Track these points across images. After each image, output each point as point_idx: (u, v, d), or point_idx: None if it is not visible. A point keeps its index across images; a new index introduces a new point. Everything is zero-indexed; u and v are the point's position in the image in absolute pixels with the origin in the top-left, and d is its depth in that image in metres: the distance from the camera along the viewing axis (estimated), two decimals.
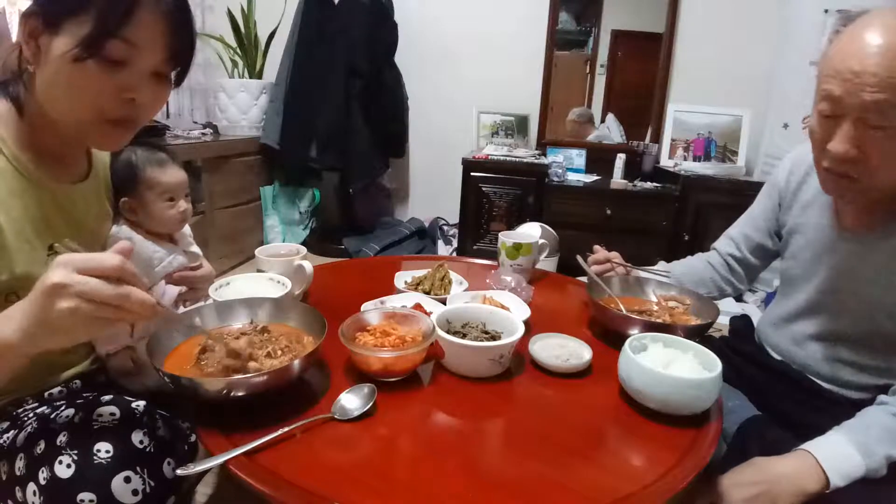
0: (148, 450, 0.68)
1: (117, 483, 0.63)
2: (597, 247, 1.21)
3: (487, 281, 1.19)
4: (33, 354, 0.58)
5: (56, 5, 0.66)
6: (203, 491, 1.15)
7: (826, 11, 2.36)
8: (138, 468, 0.66)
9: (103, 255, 0.56)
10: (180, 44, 0.72)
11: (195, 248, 1.06)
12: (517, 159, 2.79)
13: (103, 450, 0.65)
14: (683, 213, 2.63)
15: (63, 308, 0.53)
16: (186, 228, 1.07)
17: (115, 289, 0.54)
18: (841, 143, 0.78)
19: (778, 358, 1.05)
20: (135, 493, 0.64)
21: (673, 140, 2.92)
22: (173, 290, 0.94)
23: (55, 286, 0.53)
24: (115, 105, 0.70)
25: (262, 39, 2.96)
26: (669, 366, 0.80)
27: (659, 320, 0.99)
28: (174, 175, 0.97)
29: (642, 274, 1.19)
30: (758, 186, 1.18)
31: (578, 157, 3.03)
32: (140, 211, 0.94)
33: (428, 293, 1.11)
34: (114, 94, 0.69)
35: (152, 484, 0.66)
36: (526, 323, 0.93)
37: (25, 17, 0.67)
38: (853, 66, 0.75)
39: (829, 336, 0.96)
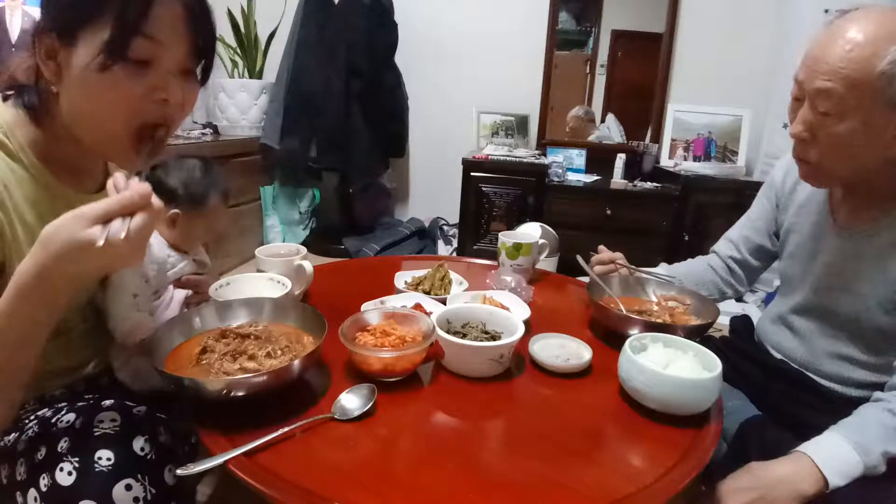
0: (149, 457, 0.68)
1: (118, 491, 0.63)
2: (601, 247, 1.21)
3: (487, 281, 1.19)
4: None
5: (70, 16, 0.63)
6: (203, 491, 1.15)
7: (826, 11, 2.35)
8: (139, 476, 0.66)
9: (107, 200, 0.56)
10: (202, 35, 0.70)
11: (204, 257, 1.06)
12: (517, 159, 2.79)
13: (104, 457, 0.65)
14: (683, 213, 2.63)
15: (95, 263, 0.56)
16: None
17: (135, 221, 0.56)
18: (796, 125, 0.85)
19: (778, 356, 1.05)
20: (136, 500, 0.64)
21: (673, 140, 2.92)
22: (180, 294, 0.95)
23: (82, 244, 0.53)
24: (149, 108, 0.67)
25: (262, 39, 2.95)
26: (669, 366, 0.80)
27: (659, 320, 0.99)
28: (223, 220, 1.02)
29: (646, 276, 1.18)
30: (758, 186, 1.18)
31: (578, 157, 3.03)
32: (180, 228, 0.94)
33: (428, 293, 1.11)
34: (145, 98, 0.66)
35: (153, 491, 0.66)
36: (526, 323, 0.93)
37: (38, 36, 0.65)
38: (816, 53, 0.80)
39: (827, 332, 0.96)
